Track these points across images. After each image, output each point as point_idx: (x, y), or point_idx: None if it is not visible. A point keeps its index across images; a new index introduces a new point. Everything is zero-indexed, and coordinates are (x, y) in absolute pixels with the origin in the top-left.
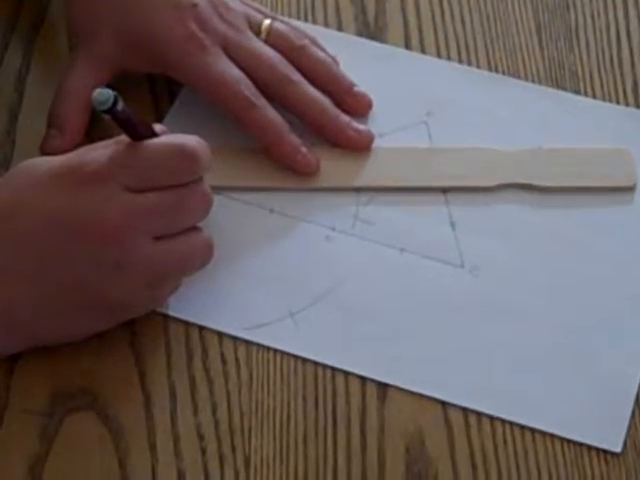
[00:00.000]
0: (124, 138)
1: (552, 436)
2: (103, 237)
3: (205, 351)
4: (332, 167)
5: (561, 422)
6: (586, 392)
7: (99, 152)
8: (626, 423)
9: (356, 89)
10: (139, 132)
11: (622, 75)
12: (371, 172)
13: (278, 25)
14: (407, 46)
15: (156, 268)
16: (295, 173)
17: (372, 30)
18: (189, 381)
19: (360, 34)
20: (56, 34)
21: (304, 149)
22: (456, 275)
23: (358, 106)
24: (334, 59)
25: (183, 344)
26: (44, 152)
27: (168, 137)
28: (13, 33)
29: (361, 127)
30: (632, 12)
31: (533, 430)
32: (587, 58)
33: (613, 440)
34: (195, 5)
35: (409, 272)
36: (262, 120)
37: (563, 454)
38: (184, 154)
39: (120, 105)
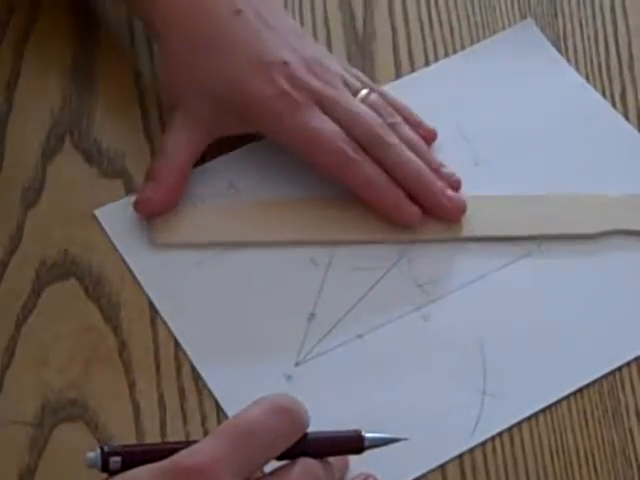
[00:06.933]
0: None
1: (541, 445)
2: None
3: None
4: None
5: None
6: None
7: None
8: None
9: (444, 170)
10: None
11: (610, 82)
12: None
13: (374, 97)
14: (395, 52)
15: None
16: (399, 224)
17: (360, 37)
18: (178, 391)
19: (348, 41)
20: (45, 45)
21: (406, 200)
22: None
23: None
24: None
25: (172, 354)
26: (138, 201)
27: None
28: (1, 43)
29: (455, 196)
30: (620, 20)
31: (522, 439)
32: (575, 66)
33: None
34: (286, 63)
35: None
36: (361, 176)
37: (552, 463)
38: (282, 410)
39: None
